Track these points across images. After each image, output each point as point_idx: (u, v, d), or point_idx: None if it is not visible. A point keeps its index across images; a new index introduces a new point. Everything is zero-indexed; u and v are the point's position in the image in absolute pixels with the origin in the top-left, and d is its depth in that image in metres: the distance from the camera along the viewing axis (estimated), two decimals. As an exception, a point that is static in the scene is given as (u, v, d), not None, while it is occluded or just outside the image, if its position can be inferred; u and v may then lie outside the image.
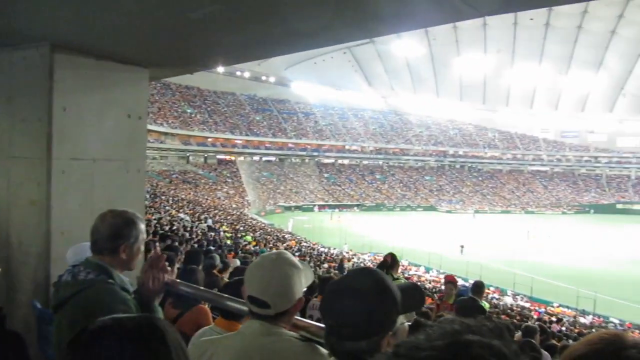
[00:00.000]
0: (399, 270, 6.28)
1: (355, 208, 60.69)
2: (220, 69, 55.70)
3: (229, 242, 17.64)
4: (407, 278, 21.82)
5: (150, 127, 50.69)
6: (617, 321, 21.06)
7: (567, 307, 22.84)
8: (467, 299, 6.29)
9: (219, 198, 49.69)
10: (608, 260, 34.44)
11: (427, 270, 29.21)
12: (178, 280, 2.30)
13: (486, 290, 24.26)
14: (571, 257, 35.30)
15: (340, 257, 26.17)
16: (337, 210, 57.62)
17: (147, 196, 29.99)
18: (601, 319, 20.95)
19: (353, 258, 27.63)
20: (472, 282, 23.54)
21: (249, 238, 20.25)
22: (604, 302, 22.45)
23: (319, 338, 1.46)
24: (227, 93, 69.09)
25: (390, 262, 5.61)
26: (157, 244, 5.26)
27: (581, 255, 35.84)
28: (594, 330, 15.79)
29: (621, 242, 42.08)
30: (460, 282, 24.31)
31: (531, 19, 60.44)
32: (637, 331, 18.89)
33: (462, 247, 34.53)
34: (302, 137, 68.97)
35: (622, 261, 33.95)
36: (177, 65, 4.21)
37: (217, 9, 2.15)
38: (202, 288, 2.33)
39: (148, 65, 3.56)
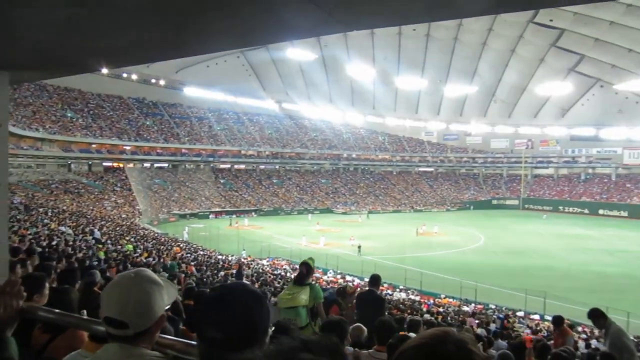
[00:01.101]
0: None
1: (253, 213, 60.27)
2: (105, 71, 52.32)
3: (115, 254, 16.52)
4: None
5: (23, 132, 46.00)
6: (494, 307, 23.14)
7: (453, 298, 24.60)
8: (366, 292, 6.59)
9: (106, 208, 46.51)
10: (486, 251, 37.77)
11: (325, 271, 29.77)
12: (37, 305, 2.08)
13: (380, 287, 25.42)
14: (455, 250, 38.18)
15: (238, 263, 25.75)
16: (234, 216, 56.77)
17: (22, 209, 27.18)
18: (482, 306, 22.84)
19: (252, 264, 27.35)
20: (367, 280, 24.42)
21: (130, 247, 19.16)
22: (483, 291, 24.51)
23: (186, 355, 1.43)
24: (113, 96, 64.99)
25: (306, 271, 5.74)
26: (27, 262, 4.73)
27: (464, 248, 38.93)
28: (475, 317, 17.20)
29: (497, 234, 46.40)
30: (356, 281, 25.15)
31: (414, 30, 64.56)
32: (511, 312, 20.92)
33: (359, 247, 35.73)
34: (196, 142, 67.00)
35: (498, 252, 37.41)
36: (45, 67, 3.83)
37: (75, 12, 1.97)
38: (59, 311, 2.11)
39: (7, 67, 3.20)
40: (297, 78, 74.08)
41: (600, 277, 28.84)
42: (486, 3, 1.88)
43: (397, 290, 25.68)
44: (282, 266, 29.36)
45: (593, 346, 12.36)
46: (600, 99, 68.64)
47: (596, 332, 17.53)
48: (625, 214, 62.56)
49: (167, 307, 1.50)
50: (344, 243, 39.55)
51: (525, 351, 6.05)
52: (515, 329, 15.85)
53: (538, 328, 16.36)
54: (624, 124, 67.24)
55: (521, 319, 19.49)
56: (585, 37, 58.16)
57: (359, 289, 7.56)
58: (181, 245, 29.51)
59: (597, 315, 5.52)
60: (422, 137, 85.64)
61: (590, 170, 75.61)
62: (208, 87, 67.78)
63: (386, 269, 29.34)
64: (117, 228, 31.31)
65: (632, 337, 15.87)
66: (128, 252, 17.93)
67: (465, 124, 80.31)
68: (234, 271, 19.59)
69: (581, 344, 13.32)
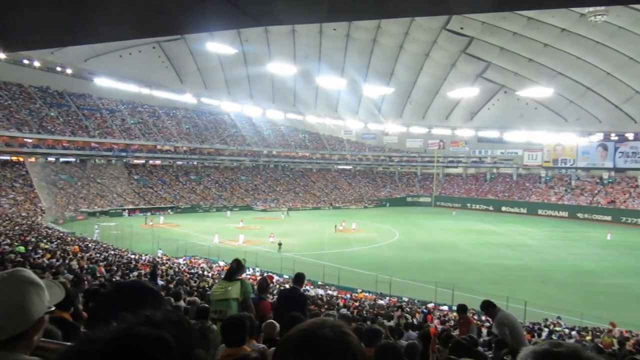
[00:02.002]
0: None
1: (169, 211, 58.17)
2: (1, 55, 47.95)
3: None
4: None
5: None
6: (407, 299, 24.16)
7: (369, 292, 25.36)
8: (289, 289, 6.72)
9: (3, 206, 42.69)
10: (400, 247, 39.31)
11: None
12: None
13: (303, 285, 25.60)
14: (372, 246, 39.35)
15: (153, 263, 24.70)
16: (149, 213, 54.47)
17: None
18: (395, 299, 23.74)
19: (167, 263, 26.37)
20: (286, 277, 24.42)
21: (22, 249, 17.72)
22: (397, 284, 25.51)
23: None
24: (12, 84, 59.58)
25: (236, 267, 5.97)
26: None
27: (380, 244, 40.22)
28: (389, 309, 17.80)
29: (410, 230, 48.45)
30: (275, 277, 25.12)
31: (334, 29, 65.57)
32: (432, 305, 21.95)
33: (279, 244, 35.70)
34: (108, 136, 63.35)
35: (411, 247, 39.08)
36: None
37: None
38: None
39: None
40: (217, 72, 72.43)
41: (502, 269, 31.09)
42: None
43: (313, 286, 25.95)
44: (199, 265, 28.62)
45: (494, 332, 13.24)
46: (504, 104, 73.91)
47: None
48: (524, 210, 67.97)
49: (51, 309, 1.38)
50: (264, 240, 39.35)
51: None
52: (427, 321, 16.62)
53: (446, 318, 17.26)
54: (524, 127, 72.92)
55: (431, 310, 20.48)
56: (491, 46, 62.29)
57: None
58: (90, 245, 27.78)
59: (487, 306, 6.12)
60: (341, 135, 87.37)
61: (495, 170, 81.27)
62: (121, 78, 64.25)
63: (305, 266, 29.56)
64: (16, 227, 28.84)
65: (526, 322, 17.22)
66: (26, 253, 16.54)
67: (383, 123, 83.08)
68: (147, 271, 18.76)
69: (484, 331, 14.27)
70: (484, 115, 77.65)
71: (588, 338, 14.30)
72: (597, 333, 16.46)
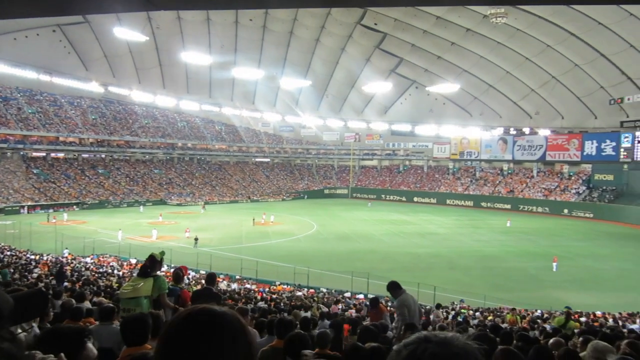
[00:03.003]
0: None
1: (75, 207, 54.49)
2: None
3: None
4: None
5: None
6: (325, 289, 24.56)
7: (287, 284, 25.45)
8: (202, 289, 6.87)
9: None
10: (318, 238, 39.84)
11: (158, 266, 28.31)
12: None
13: (217, 278, 25.10)
14: (290, 238, 39.50)
15: (59, 264, 22.99)
16: (51, 210, 50.67)
17: None
18: (313, 290, 24.03)
19: (73, 262, 24.66)
20: (203, 272, 23.82)
21: None
22: (315, 275, 25.85)
23: None
24: None
25: (150, 263, 5.88)
26: None
27: (298, 236, 40.47)
28: (308, 300, 17.96)
29: (328, 221, 49.26)
30: (191, 273, 24.41)
31: (251, 20, 64.57)
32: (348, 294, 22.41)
33: (196, 239, 34.72)
34: (2, 126, 57.82)
35: (329, 238, 39.73)
36: None
37: None
38: None
39: None
40: (126, 60, 68.57)
41: (413, 257, 32.56)
42: None
43: (231, 281, 25.59)
44: (108, 263, 27.08)
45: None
46: (416, 99, 77.22)
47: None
48: (434, 200, 71.70)
49: None
50: (179, 236, 38.11)
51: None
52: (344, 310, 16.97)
53: (361, 307, 17.75)
54: (434, 121, 76.71)
55: (348, 299, 20.98)
56: (404, 42, 64.66)
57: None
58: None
59: (392, 287, 6.45)
60: (259, 128, 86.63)
61: (407, 162, 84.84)
62: (16, 63, 58.70)
63: (223, 260, 29.13)
64: None
65: (428, 305, 18.15)
66: None
67: (300, 116, 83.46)
68: (45, 272, 17.42)
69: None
70: (397, 110, 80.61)
71: (490, 318, 15.37)
72: (498, 313, 17.76)
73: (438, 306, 16.73)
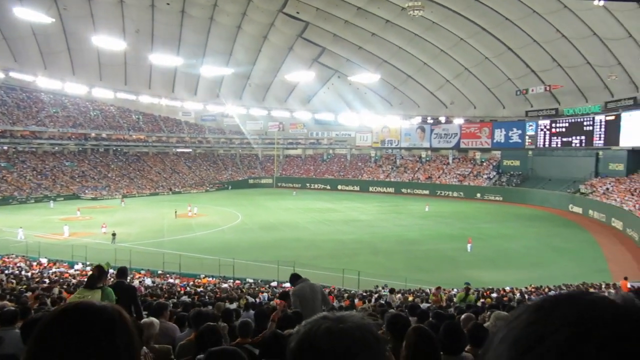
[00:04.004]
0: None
1: (-27, 204, 49.82)
2: None
3: None
4: (48, 277, 19.33)
5: None
6: (251, 280, 24.42)
7: (212, 276, 25.00)
8: (115, 283, 6.76)
9: None
10: (243, 229, 39.44)
11: (71, 264, 26.68)
12: None
13: (138, 274, 24.11)
14: (214, 229, 38.76)
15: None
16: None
17: None
18: (239, 281, 23.81)
19: (-29, 265, 22.55)
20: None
21: None
22: (241, 266, 25.60)
23: None
24: None
25: (98, 274, 6.02)
26: None
27: (223, 227, 39.81)
28: (233, 292, 17.75)
29: (253, 212, 48.87)
30: (111, 270, 23.20)
31: (168, 4, 61.82)
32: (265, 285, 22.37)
33: (114, 235, 33.04)
34: None
35: (254, 228, 39.46)
36: None
37: None
38: None
39: None
40: (30, 44, 63.16)
41: (338, 244, 33.20)
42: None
43: (152, 276, 24.72)
44: (15, 264, 25.07)
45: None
46: (338, 88, 78.20)
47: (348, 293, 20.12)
48: (357, 188, 73.40)
49: None
50: (95, 232, 36.14)
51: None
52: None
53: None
54: (356, 111, 78.23)
55: (275, 288, 20.99)
56: (326, 32, 65.10)
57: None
58: None
59: (291, 280, 6.76)
60: (179, 117, 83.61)
61: (331, 151, 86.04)
62: None
63: (143, 255, 28.04)
64: None
65: (360, 291, 18.66)
66: None
67: (222, 105, 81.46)
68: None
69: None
70: (320, 99, 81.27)
71: (410, 299, 16.05)
72: (418, 294, 18.59)
73: (392, 291, 17.25)
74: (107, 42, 60.85)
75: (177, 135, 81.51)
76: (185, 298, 13.73)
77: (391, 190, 70.63)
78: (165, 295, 14.96)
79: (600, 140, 53.09)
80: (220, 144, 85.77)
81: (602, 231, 38.57)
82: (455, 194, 64.72)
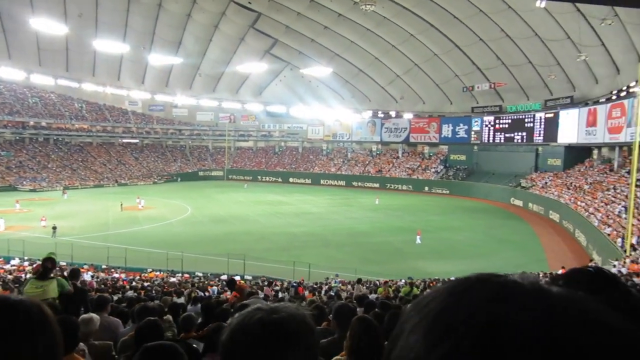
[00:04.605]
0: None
1: None
2: None
3: None
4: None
5: None
6: (201, 274, 24.03)
7: (160, 270, 24.41)
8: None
9: None
10: (192, 222, 38.69)
11: (7, 260, 25.31)
12: None
13: (81, 269, 23.16)
14: (162, 223, 37.81)
15: None
16: None
17: None
18: (188, 275, 23.39)
19: None
20: (63, 263, 21.82)
21: None
22: (190, 260, 25.14)
23: None
24: None
25: (51, 265, 6.15)
26: None
27: (171, 220, 38.90)
28: (181, 286, 17.42)
29: (203, 204, 48.02)
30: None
31: (113, -12, 59.39)
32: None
33: (54, 228, 31.56)
34: None
35: (204, 221, 38.80)
36: None
37: None
38: None
39: None
40: (-40, 25, 59.04)
41: (289, 236, 33.21)
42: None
43: (100, 270, 23.88)
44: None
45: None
46: (290, 81, 77.91)
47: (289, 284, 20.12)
48: (309, 181, 73.59)
49: None
50: (33, 225, 34.41)
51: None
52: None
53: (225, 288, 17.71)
54: (308, 104, 78.23)
55: (224, 282, 20.75)
56: (278, 24, 64.55)
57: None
58: None
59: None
60: (125, 106, 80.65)
61: (282, 144, 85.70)
62: None
63: (86, 249, 26.97)
64: None
65: (310, 283, 18.76)
66: None
67: (171, 95, 79.26)
68: None
69: (261, 293, 15.08)
70: (272, 91, 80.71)
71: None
72: (367, 285, 18.90)
73: (359, 281, 17.42)
74: (47, 25, 57.60)
75: (124, 125, 78.65)
76: (130, 293, 13.35)
77: (342, 183, 71.28)
78: (110, 290, 14.48)
79: (540, 136, 55.67)
80: (169, 134, 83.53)
81: (541, 223, 40.58)
82: (404, 187, 66.12)
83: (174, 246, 27.02)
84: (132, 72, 75.37)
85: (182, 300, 10.39)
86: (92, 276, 20.48)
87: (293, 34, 65.82)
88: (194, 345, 3.80)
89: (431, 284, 18.68)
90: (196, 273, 24.10)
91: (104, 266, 24.86)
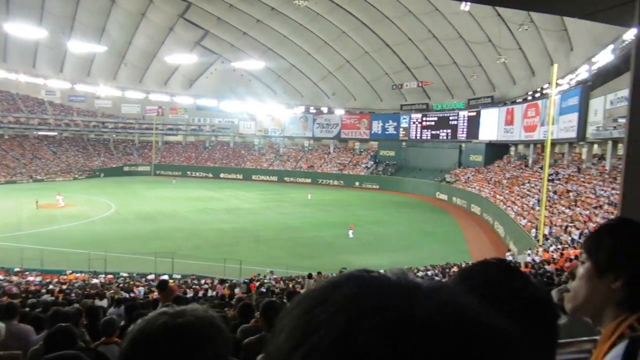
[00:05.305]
0: None
1: None
2: None
3: None
4: None
5: None
6: (126, 274, 23.01)
7: (80, 272, 23.09)
8: None
9: None
10: (117, 219, 36.95)
11: None
12: None
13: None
14: (84, 221, 35.79)
15: None
16: None
17: None
18: (112, 276, 22.31)
19: None
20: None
21: None
22: (113, 260, 23.98)
23: None
24: None
25: None
26: None
27: (93, 218, 36.92)
28: (105, 288, 16.59)
29: (128, 201, 45.97)
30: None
31: (27, -31, 55.15)
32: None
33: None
34: None
35: (129, 219, 37.16)
36: None
37: None
38: None
39: None
40: None
41: (220, 233, 32.61)
42: None
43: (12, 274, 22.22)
44: None
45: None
46: (222, 74, 76.29)
47: (238, 285, 19.76)
48: (240, 176, 72.62)
49: None
50: None
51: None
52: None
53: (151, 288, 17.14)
54: (240, 98, 76.99)
55: (151, 282, 20.01)
56: (209, 14, 62.91)
57: None
58: None
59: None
60: (42, 96, 75.33)
61: (213, 138, 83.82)
62: None
63: (-5, 251, 24.96)
64: None
65: (241, 280, 18.51)
66: None
67: (94, 85, 74.91)
68: None
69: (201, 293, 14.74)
70: (203, 84, 78.69)
71: (291, 285, 16.32)
72: (298, 280, 18.96)
73: (309, 276, 17.27)
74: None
75: (39, 117, 73.43)
76: (46, 297, 12.49)
77: (274, 178, 71.00)
78: (23, 295, 13.47)
79: (463, 133, 58.44)
80: (91, 127, 79.01)
81: (464, 216, 42.67)
82: (335, 183, 66.99)
83: (97, 246, 25.65)
84: (49, 60, 70.48)
85: (104, 302, 9.87)
86: (3, 279, 19.01)
87: (225, 25, 64.49)
88: (104, 353, 3.57)
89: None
90: (121, 273, 23.05)
91: (17, 269, 23.14)
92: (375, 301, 0.45)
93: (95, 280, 20.20)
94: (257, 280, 18.74)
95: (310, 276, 17.53)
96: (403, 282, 0.48)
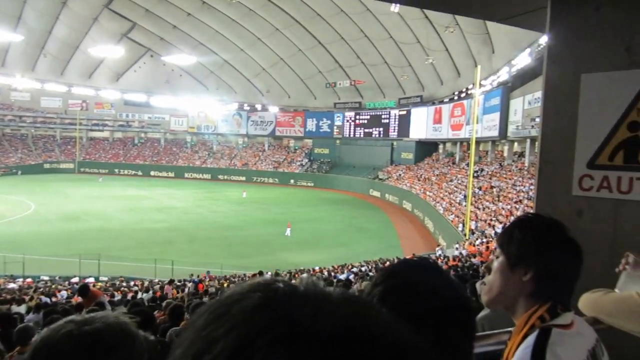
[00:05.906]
0: None
1: None
2: None
3: None
4: None
5: None
6: (47, 277, 21.68)
7: (-5, 277, 21.48)
8: None
9: None
10: (37, 220, 34.69)
11: None
12: None
13: None
14: (2, 221, 33.30)
15: None
16: None
17: None
18: (31, 280, 20.94)
19: None
20: None
21: None
22: (34, 262, 22.52)
23: None
24: None
25: None
26: None
27: (10, 219, 34.44)
28: (23, 292, 15.55)
29: (50, 200, 43.26)
30: None
31: None
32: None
33: None
34: None
35: (51, 219, 34.99)
36: None
37: None
38: None
39: None
40: None
41: (150, 232, 31.50)
42: None
43: None
44: None
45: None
46: (151, 68, 73.55)
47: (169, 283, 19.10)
48: (172, 174, 70.45)
49: None
50: None
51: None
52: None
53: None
54: (170, 93, 74.62)
55: (75, 285, 18.98)
56: (137, 6, 60.31)
57: None
58: None
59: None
60: (-51, 88, 69.06)
61: (143, 135, 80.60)
62: None
63: None
64: None
65: (166, 280, 18.02)
66: None
67: (9, 76, 69.60)
68: None
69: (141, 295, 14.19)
70: (131, 78, 75.44)
71: (226, 285, 16.09)
72: (233, 280, 18.74)
73: (260, 273, 16.95)
74: None
75: (-54, 110, 67.23)
76: (-44, 305, 11.48)
77: (208, 176, 69.53)
78: None
79: (394, 132, 60.15)
80: (6, 122, 73.41)
81: (396, 212, 43.97)
82: (270, 180, 66.69)
83: (14, 248, 23.94)
84: (-44, 49, 64.68)
85: (22, 309, 9.24)
86: None
87: (153, 18, 62.18)
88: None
89: (296, 275, 19.15)
90: (41, 277, 21.68)
91: None
92: (276, 314, 0.42)
93: (12, 285, 18.86)
94: (190, 282, 18.29)
95: (261, 273, 17.44)
96: (311, 293, 0.46)
